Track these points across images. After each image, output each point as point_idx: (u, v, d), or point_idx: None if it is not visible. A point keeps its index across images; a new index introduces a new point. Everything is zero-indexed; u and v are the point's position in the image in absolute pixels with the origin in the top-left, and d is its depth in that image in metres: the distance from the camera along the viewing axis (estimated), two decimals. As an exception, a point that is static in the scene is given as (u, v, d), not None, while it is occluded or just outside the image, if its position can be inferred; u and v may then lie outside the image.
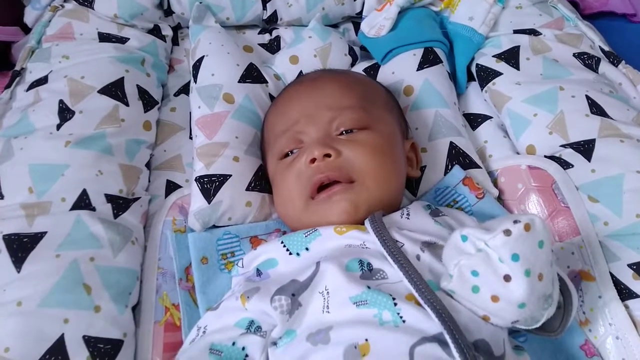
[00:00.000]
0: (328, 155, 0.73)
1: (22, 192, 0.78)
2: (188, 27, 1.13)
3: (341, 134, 0.77)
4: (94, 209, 0.79)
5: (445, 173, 0.88)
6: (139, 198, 0.85)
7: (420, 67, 1.00)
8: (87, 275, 0.72)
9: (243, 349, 0.62)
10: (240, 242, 0.82)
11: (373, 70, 1.06)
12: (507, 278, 0.53)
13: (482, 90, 1.03)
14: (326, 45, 1.08)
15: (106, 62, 0.96)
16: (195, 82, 0.99)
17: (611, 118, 0.87)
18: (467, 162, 0.89)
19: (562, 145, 0.88)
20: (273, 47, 1.16)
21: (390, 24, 1.06)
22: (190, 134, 0.98)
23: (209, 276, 0.78)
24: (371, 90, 0.87)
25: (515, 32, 1.07)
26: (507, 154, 0.94)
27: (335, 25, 1.22)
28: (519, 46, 1.03)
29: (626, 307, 0.72)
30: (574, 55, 1.01)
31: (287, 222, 0.82)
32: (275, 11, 1.15)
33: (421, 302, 0.57)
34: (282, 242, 0.71)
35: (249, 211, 0.85)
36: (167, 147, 0.98)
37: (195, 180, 0.85)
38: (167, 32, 1.14)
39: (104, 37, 1.03)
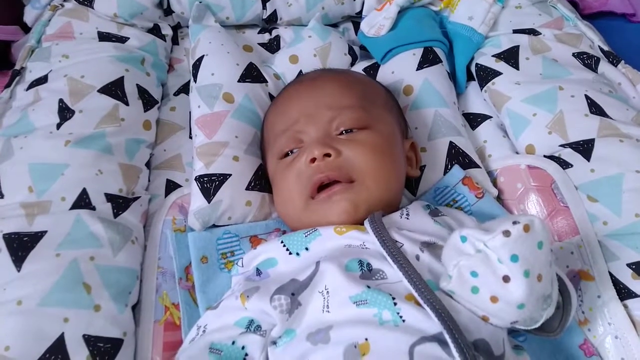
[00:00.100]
0: (328, 155, 0.73)
1: (22, 191, 0.78)
2: (188, 27, 1.13)
3: (341, 133, 0.77)
4: (93, 208, 0.79)
5: (445, 173, 0.89)
6: (138, 197, 0.85)
7: (420, 66, 1.01)
8: (87, 274, 0.72)
9: (243, 348, 0.62)
10: (240, 242, 0.82)
11: (373, 70, 1.06)
12: (506, 279, 0.53)
13: (481, 90, 1.03)
14: (326, 45, 1.08)
15: (106, 62, 0.96)
16: (195, 81, 0.99)
17: (610, 118, 0.87)
18: (466, 162, 0.89)
19: (561, 145, 0.88)
20: (273, 46, 1.16)
21: (390, 23, 1.06)
22: (190, 133, 0.98)
23: (208, 275, 0.78)
24: (371, 90, 0.88)
25: (515, 31, 1.07)
26: (506, 153, 0.94)
27: (335, 25, 1.22)
28: (518, 46, 1.03)
29: (625, 306, 0.72)
30: (573, 55, 1.01)
31: (287, 222, 0.82)
32: (275, 11, 1.15)
33: (421, 302, 0.57)
34: (282, 242, 0.71)
35: (249, 210, 0.85)
36: (167, 146, 0.98)
37: (195, 179, 0.85)
38: (167, 31, 1.14)
39: (103, 37, 1.03)
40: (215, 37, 1.05)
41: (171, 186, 0.91)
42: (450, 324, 0.54)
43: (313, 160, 0.73)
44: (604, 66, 1.00)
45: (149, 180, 0.92)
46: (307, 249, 0.69)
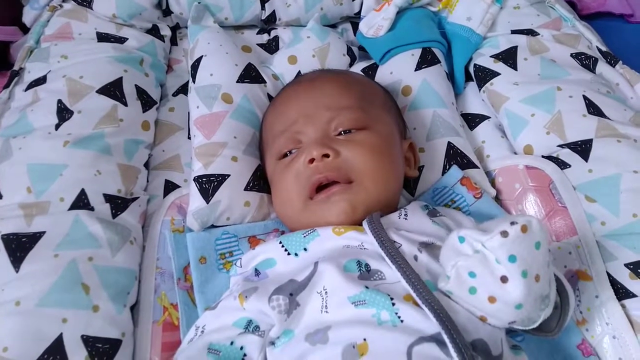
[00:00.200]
0: (327, 156, 0.73)
1: (20, 191, 0.78)
2: (187, 27, 1.13)
3: (339, 134, 0.77)
4: (92, 209, 0.79)
5: (443, 173, 0.89)
6: (137, 198, 0.85)
7: (419, 67, 1.01)
8: (85, 275, 0.72)
9: (241, 348, 0.62)
10: (239, 242, 0.82)
11: (371, 71, 1.06)
12: (504, 279, 0.53)
13: (480, 90, 1.03)
14: (324, 46, 1.08)
15: (105, 62, 0.96)
16: (194, 82, 0.99)
17: (608, 118, 0.88)
18: (464, 162, 0.89)
19: (559, 145, 0.88)
20: (271, 47, 1.16)
21: (388, 24, 1.06)
22: (189, 133, 0.98)
23: (207, 276, 0.78)
24: (369, 91, 0.88)
25: (513, 32, 1.07)
26: (504, 154, 0.94)
27: (333, 26, 1.22)
28: (516, 46, 1.03)
29: (623, 306, 0.72)
30: (571, 55, 1.01)
31: (286, 222, 0.82)
32: (274, 11, 1.15)
33: (419, 302, 0.57)
34: (280, 242, 0.71)
35: (248, 211, 0.85)
36: (165, 147, 0.98)
37: (194, 180, 0.85)
38: (166, 32, 1.14)
39: (102, 37, 1.03)
40: (214, 38, 1.05)
41: (170, 187, 0.91)
42: (449, 324, 0.54)
43: (312, 160, 0.73)
44: (602, 67, 1.00)
45: (147, 181, 0.92)
46: (305, 249, 0.69)
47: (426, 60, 1.02)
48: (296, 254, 0.69)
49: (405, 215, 0.73)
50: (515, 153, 0.94)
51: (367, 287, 0.60)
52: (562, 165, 0.87)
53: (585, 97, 0.90)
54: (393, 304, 0.57)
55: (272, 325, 0.63)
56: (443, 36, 1.09)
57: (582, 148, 0.86)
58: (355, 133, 0.77)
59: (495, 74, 1.00)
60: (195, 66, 1.01)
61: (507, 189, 0.89)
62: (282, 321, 0.62)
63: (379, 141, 0.77)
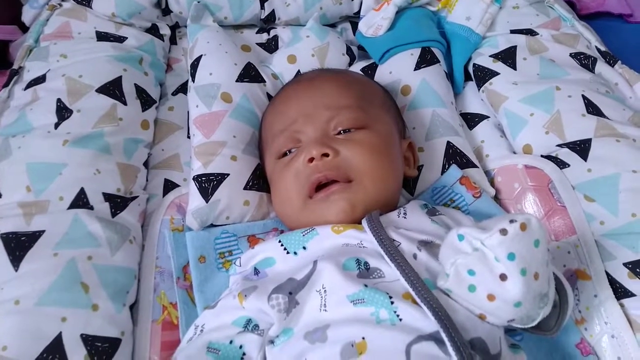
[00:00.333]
0: (326, 155, 0.73)
1: (19, 190, 0.78)
2: (186, 26, 1.13)
3: (339, 133, 0.77)
4: (91, 208, 0.79)
5: (442, 172, 0.89)
6: (136, 197, 0.85)
7: (418, 66, 1.01)
8: (84, 273, 0.72)
9: (240, 347, 0.63)
10: (238, 241, 0.82)
11: (371, 70, 1.06)
12: (503, 277, 0.53)
13: (479, 90, 1.03)
14: (324, 45, 1.08)
15: (104, 61, 0.96)
16: (193, 81, 0.99)
17: (607, 118, 0.88)
18: (464, 162, 0.90)
19: (558, 145, 0.88)
20: (271, 46, 1.16)
21: (387, 23, 1.06)
22: (188, 133, 0.98)
23: (206, 275, 0.78)
24: (369, 90, 0.88)
25: (512, 32, 1.07)
26: (503, 153, 0.94)
27: (333, 25, 1.22)
28: (515, 46, 1.03)
29: (622, 305, 0.72)
30: (570, 55, 1.01)
31: (285, 221, 0.82)
32: (273, 10, 1.16)
33: (418, 300, 0.57)
34: (279, 241, 0.71)
35: (247, 210, 0.85)
36: (165, 146, 0.98)
37: (193, 179, 0.85)
38: (165, 31, 1.14)
39: (101, 36, 1.03)
40: (213, 37, 1.05)
41: (169, 186, 0.91)
42: (447, 322, 0.55)
43: (311, 159, 0.73)
44: (601, 66, 1.00)
45: (147, 180, 0.92)
46: (304, 248, 0.69)
47: (425, 59, 1.02)
48: (295, 253, 0.69)
49: (405, 213, 0.73)
50: (515, 152, 0.94)
51: (366, 286, 0.60)
52: (561, 164, 0.87)
53: (584, 97, 0.90)
54: (392, 303, 0.58)
55: (272, 324, 0.63)
56: (442, 36, 1.09)
57: (581, 148, 0.86)
58: (355, 132, 0.77)
59: (494, 73, 1.00)
60: (194, 65, 1.01)
61: (506, 188, 0.89)
62: (281, 320, 0.62)
63: (378, 140, 0.77)
